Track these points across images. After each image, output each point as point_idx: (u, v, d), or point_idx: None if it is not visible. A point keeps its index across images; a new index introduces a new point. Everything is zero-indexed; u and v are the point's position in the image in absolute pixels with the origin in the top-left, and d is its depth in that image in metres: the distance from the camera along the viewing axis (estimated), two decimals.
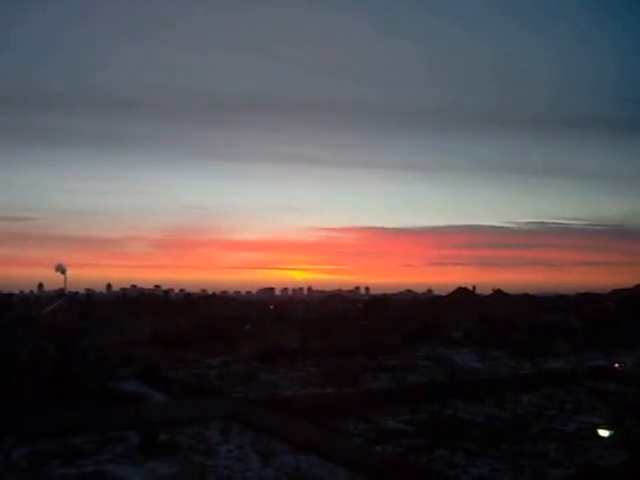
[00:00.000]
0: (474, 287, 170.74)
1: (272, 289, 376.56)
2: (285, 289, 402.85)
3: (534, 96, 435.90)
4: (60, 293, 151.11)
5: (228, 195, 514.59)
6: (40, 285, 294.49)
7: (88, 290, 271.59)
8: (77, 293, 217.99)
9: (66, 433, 37.16)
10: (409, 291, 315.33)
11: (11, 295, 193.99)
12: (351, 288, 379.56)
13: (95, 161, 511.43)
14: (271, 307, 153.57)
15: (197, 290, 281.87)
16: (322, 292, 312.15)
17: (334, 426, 41.12)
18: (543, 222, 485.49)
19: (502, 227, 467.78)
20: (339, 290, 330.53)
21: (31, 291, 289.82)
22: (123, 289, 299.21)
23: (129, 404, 47.44)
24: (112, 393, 50.80)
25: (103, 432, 37.77)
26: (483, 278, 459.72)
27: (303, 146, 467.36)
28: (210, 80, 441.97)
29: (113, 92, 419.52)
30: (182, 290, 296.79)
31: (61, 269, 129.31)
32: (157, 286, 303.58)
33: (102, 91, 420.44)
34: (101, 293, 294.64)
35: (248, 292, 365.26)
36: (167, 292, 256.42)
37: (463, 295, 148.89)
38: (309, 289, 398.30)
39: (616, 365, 67.81)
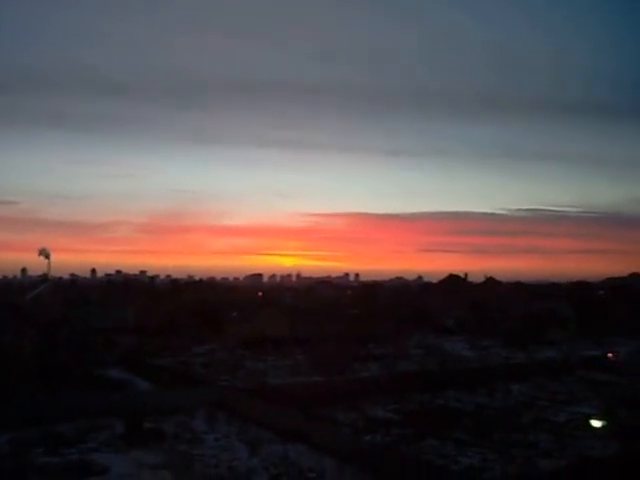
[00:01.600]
0: (465, 274, 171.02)
1: (260, 275, 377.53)
2: (273, 275, 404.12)
3: (528, 80, 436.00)
4: (44, 278, 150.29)
5: (216, 179, 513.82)
6: (23, 270, 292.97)
7: (72, 275, 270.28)
8: (61, 278, 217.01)
9: (50, 420, 37.08)
10: (399, 278, 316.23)
11: None
12: (340, 275, 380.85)
13: (81, 144, 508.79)
14: (259, 294, 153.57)
15: (184, 276, 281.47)
16: (311, 279, 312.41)
17: (323, 415, 41.22)
18: (536, 209, 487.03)
19: (494, 214, 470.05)
20: (328, 277, 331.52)
21: (14, 276, 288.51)
22: (108, 274, 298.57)
23: (114, 392, 47.38)
24: (97, 380, 50.71)
25: (87, 420, 37.70)
26: (475, 265, 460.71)
27: (292, 130, 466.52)
28: (197, 63, 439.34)
29: (100, 74, 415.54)
30: (168, 276, 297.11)
31: (45, 253, 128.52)
32: (143, 272, 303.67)
33: (89, 73, 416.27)
34: (85, 278, 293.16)
35: (236, 278, 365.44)
36: (153, 278, 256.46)
37: (454, 282, 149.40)
38: (298, 275, 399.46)
39: (609, 355, 68.21)
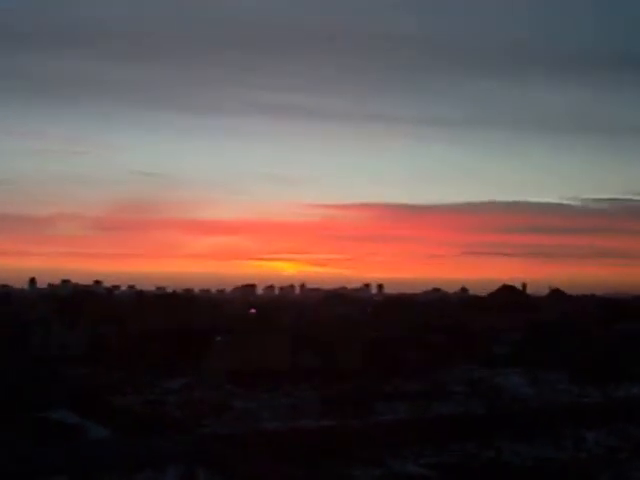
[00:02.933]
0: (524, 285, 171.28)
1: (253, 286, 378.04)
2: (270, 286, 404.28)
3: (614, 29, 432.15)
4: None
5: (195, 159, 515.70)
6: None
7: (4, 287, 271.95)
8: None
9: None
10: (437, 290, 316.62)
11: None
12: (359, 286, 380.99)
13: (14, 111, 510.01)
14: (251, 311, 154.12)
15: (152, 287, 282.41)
16: (319, 291, 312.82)
17: (334, 472, 41.30)
18: (617, 199, 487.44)
19: (562, 205, 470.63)
20: (343, 288, 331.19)
21: None
22: (52, 285, 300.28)
23: (60, 440, 47.60)
24: (38, 425, 50.96)
25: (25, 478, 37.84)
26: (536, 273, 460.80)
27: (297, 93, 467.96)
28: (167, 3, 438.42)
29: (39, 23, 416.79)
30: (131, 287, 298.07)
31: None
32: (98, 282, 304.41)
33: (23, 21, 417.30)
34: (22, 290, 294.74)
35: (220, 290, 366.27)
36: (111, 290, 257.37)
37: (509, 296, 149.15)
38: (302, 287, 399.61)
39: None
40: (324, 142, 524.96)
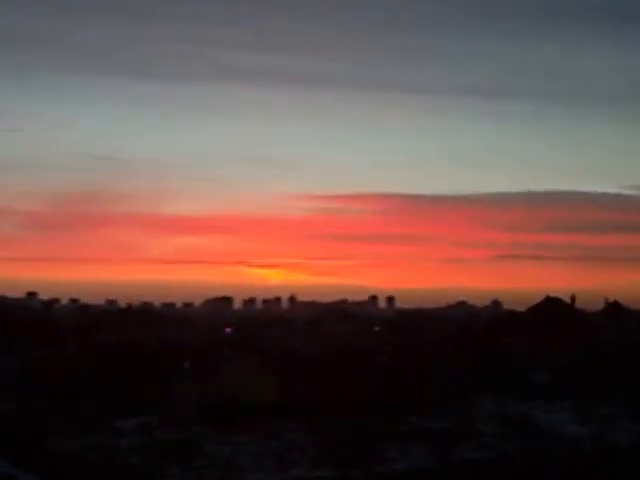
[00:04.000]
0: (573, 297, 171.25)
1: (229, 299, 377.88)
2: (251, 299, 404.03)
3: None
4: None
5: (156, 138, 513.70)
6: None
7: None
8: None
9: None
10: (462, 304, 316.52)
11: None
12: (364, 298, 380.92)
13: None
14: (227, 330, 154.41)
15: (100, 301, 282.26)
16: (314, 304, 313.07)
17: None
18: None
19: (621, 196, 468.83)
20: (343, 301, 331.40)
21: None
22: None
23: None
24: None
25: None
26: (588, 282, 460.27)
27: (283, 55, 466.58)
28: None
29: None
30: (75, 300, 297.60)
31: None
32: (31, 293, 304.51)
33: None
34: None
35: (188, 304, 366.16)
36: (49, 303, 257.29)
37: (553, 311, 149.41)
38: (292, 299, 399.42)
39: None
40: (320, 117, 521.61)
